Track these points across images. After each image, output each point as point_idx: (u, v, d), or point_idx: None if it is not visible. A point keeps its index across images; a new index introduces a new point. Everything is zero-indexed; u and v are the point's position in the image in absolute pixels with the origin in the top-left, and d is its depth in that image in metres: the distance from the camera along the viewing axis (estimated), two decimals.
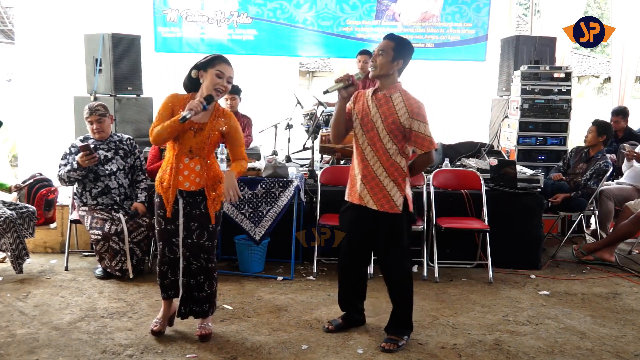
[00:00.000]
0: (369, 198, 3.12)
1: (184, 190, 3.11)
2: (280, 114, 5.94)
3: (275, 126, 5.85)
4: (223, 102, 5.45)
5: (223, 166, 4.11)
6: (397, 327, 3.24)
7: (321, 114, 5.51)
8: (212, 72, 3.03)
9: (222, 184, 3.16)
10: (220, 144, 3.97)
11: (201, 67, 3.07)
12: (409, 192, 3.17)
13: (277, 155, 5.52)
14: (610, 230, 5.17)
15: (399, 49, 3.06)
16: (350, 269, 3.36)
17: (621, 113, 6.23)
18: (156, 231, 3.22)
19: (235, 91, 5.55)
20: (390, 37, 3.12)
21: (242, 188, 4.35)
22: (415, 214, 4.36)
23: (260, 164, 4.56)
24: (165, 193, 3.12)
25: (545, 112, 5.59)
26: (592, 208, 5.18)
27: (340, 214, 3.36)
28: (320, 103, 5.61)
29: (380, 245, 3.20)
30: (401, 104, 3.06)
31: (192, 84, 3.14)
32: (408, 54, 3.12)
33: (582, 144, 5.34)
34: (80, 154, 4.15)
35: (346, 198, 3.29)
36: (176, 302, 3.32)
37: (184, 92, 3.20)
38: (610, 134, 5.24)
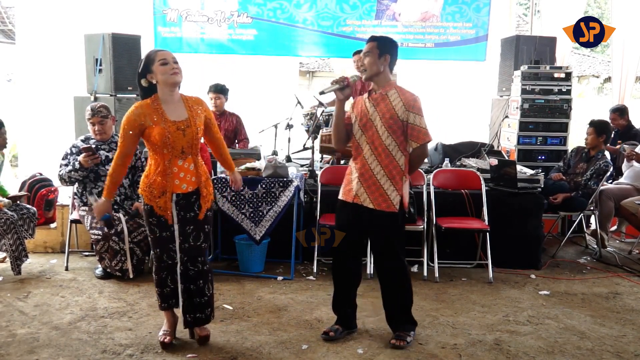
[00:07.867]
0: (366, 196, 3.13)
1: (180, 192, 3.05)
2: (280, 114, 5.94)
3: (275, 126, 5.85)
4: (209, 101, 5.44)
5: None
6: (403, 324, 3.25)
7: (321, 114, 5.50)
8: (156, 67, 2.97)
9: (210, 181, 3.20)
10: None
11: (145, 71, 3.01)
12: (405, 191, 3.16)
13: (277, 155, 5.51)
14: (611, 229, 5.17)
15: (382, 46, 3.12)
16: (345, 268, 3.31)
17: (618, 110, 6.24)
18: (150, 239, 3.15)
19: (221, 90, 5.53)
20: (372, 38, 3.17)
21: (242, 188, 4.34)
22: (416, 214, 4.39)
23: (260, 164, 4.56)
24: (158, 200, 3.03)
25: (545, 112, 5.59)
26: (592, 208, 5.18)
27: (336, 213, 3.36)
28: (320, 103, 5.60)
29: (377, 243, 3.21)
30: (397, 99, 3.09)
31: (148, 91, 3.07)
32: (393, 48, 3.16)
33: (582, 144, 5.34)
34: (82, 154, 4.15)
35: (340, 197, 3.29)
36: (177, 311, 3.22)
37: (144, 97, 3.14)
38: (610, 131, 5.25)
